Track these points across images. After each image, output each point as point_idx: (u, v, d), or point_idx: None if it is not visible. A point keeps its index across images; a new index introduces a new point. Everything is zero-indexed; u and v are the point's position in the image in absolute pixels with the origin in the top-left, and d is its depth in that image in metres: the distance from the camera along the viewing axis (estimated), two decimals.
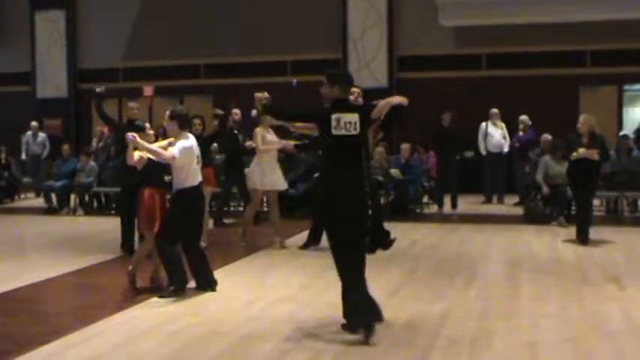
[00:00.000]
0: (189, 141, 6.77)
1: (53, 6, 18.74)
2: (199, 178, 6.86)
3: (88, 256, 8.76)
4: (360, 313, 5.28)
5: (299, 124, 6.02)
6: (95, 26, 18.56)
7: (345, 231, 5.35)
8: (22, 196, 16.23)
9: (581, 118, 9.59)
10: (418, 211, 12.88)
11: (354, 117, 5.37)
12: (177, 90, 18.04)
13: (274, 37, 17.19)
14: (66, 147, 14.41)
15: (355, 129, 5.37)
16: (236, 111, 11.43)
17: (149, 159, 6.90)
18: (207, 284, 6.89)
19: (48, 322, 5.93)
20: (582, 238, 9.26)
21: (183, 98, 18.25)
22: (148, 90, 17.97)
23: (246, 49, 17.31)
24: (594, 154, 9.15)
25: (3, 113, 18.58)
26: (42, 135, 17.09)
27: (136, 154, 6.87)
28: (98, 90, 9.03)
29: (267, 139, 9.23)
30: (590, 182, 9.35)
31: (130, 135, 6.66)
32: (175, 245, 6.82)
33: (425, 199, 13.53)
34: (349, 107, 5.51)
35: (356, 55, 16.83)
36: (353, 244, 5.36)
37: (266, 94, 6.09)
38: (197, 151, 6.87)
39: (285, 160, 12.74)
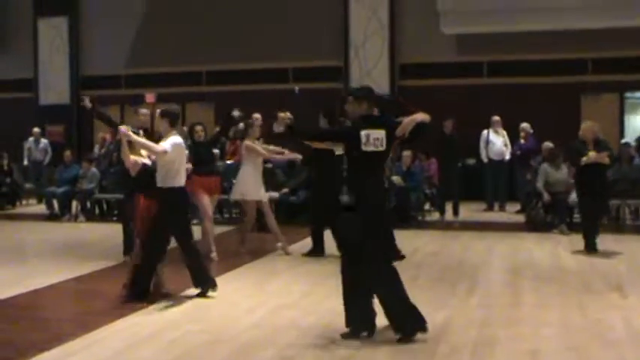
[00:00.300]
0: (179, 138, 6.85)
1: (56, 13, 18.77)
2: (184, 179, 6.90)
3: (90, 262, 8.76)
4: (363, 320, 5.35)
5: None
6: (98, 33, 18.60)
7: (367, 241, 5.37)
8: (24, 202, 16.23)
9: (585, 125, 9.52)
10: (420, 218, 12.87)
11: (382, 133, 5.42)
12: (179, 97, 17.97)
13: (276, 45, 17.21)
14: (68, 153, 14.42)
15: (382, 145, 5.43)
16: (257, 116, 11.34)
17: (143, 165, 6.92)
18: (207, 285, 6.89)
19: (48, 329, 5.92)
20: (590, 247, 9.16)
21: (185, 105, 18.27)
22: (149, 97, 17.93)
23: (247, 56, 17.33)
24: (605, 158, 9.12)
25: (5, 119, 18.61)
26: (44, 141, 17.12)
27: (132, 157, 6.91)
28: (86, 104, 8.95)
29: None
30: (603, 187, 9.30)
31: (123, 128, 6.69)
32: (162, 250, 6.82)
33: (426, 207, 13.52)
34: (376, 123, 5.51)
35: (357, 63, 16.84)
36: (369, 255, 5.39)
37: (288, 114, 6.08)
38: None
39: (287, 167, 12.76)
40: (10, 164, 15.73)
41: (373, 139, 5.39)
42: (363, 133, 5.39)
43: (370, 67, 16.74)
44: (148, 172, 6.90)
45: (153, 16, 18.25)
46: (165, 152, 6.61)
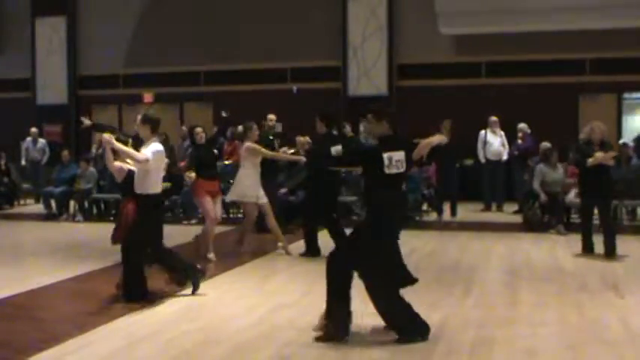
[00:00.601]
0: (160, 145, 6.84)
1: (53, 12, 18.77)
2: (161, 186, 6.89)
3: (87, 262, 8.76)
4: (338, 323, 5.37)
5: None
6: (95, 33, 18.61)
7: (380, 252, 5.41)
8: (22, 202, 16.23)
9: (596, 126, 9.39)
10: (417, 218, 12.87)
11: (402, 155, 5.40)
12: (177, 97, 18.07)
13: (274, 45, 17.23)
14: (65, 153, 14.42)
15: (402, 166, 5.41)
16: (271, 116, 11.28)
17: (129, 171, 6.92)
18: (196, 278, 6.89)
19: (46, 329, 5.92)
20: (609, 251, 8.99)
21: (183, 105, 18.29)
22: (147, 97, 18.01)
23: (246, 56, 17.35)
24: (610, 160, 9.10)
25: (3, 119, 18.61)
26: (42, 141, 17.11)
27: (117, 163, 6.91)
28: (86, 123, 9.01)
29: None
30: (607, 188, 9.28)
31: (106, 136, 6.69)
32: (143, 254, 6.82)
33: (424, 207, 13.53)
34: (396, 144, 5.46)
35: (356, 63, 16.86)
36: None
37: (308, 139, 6.08)
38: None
39: (286, 167, 12.76)
40: (7, 164, 15.74)
41: (395, 161, 5.35)
42: (385, 155, 5.33)
43: (368, 68, 16.76)
44: (133, 178, 6.90)
45: (151, 16, 18.25)
46: (147, 160, 6.59)
